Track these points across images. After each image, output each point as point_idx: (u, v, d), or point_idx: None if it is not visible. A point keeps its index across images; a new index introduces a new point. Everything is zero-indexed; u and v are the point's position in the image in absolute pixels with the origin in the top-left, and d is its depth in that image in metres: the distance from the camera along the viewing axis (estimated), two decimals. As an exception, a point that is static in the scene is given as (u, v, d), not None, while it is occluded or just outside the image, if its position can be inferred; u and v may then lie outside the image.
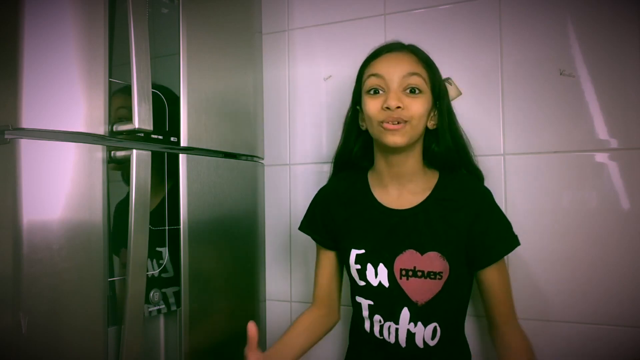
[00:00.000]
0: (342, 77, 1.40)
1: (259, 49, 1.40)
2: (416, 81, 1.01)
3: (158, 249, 1.02)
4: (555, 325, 1.18)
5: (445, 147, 1.07)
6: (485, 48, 1.25)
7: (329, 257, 1.19)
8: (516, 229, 1.13)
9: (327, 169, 1.41)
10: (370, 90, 1.03)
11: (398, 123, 0.99)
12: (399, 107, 0.98)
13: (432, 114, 1.05)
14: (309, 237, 1.32)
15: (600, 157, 1.15)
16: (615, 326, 1.13)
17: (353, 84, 1.40)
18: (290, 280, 1.46)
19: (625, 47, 1.14)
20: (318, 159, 1.43)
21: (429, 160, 1.10)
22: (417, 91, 1.01)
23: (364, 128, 1.10)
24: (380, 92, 1.02)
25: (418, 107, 1.00)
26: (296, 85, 1.46)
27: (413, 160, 1.06)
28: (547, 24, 1.20)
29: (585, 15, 1.17)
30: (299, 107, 1.46)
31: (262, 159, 1.39)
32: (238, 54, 1.27)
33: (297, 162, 1.46)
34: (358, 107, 1.10)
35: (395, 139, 1.00)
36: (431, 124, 1.06)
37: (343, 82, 1.40)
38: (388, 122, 0.99)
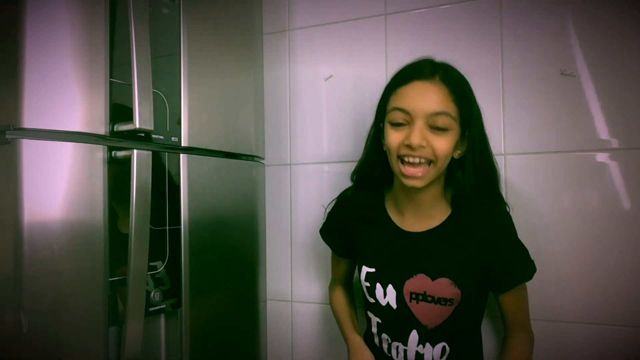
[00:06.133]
0: (343, 76, 1.40)
1: (260, 48, 1.40)
2: (444, 121, 0.93)
3: (172, 250, 1.02)
4: (556, 325, 1.17)
5: (471, 177, 0.99)
6: (486, 48, 1.25)
7: (342, 264, 1.24)
8: (517, 229, 1.12)
9: (328, 169, 1.41)
10: (394, 123, 0.97)
11: (421, 163, 0.95)
12: (422, 146, 0.93)
13: (458, 144, 0.98)
14: (309, 237, 1.32)
15: (601, 157, 1.15)
16: (616, 326, 1.13)
17: (353, 84, 1.41)
18: (290, 280, 1.46)
19: (626, 47, 1.13)
20: (319, 159, 1.43)
21: (459, 188, 1.02)
22: (444, 130, 0.94)
23: (385, 148, 1.02)
24: (404, 125, 0.96)
25: (443, 146, 0.94)
26: (297, 85, 1.46)
27: (433, 191, 1.02)
28: (547, 24, 1.20)
29: (586, 15, 1.17)
30: (300, 107, 1.46)
31: (263, 159, 1.39)
32: (239, 54, 1.27)
33: (297, 162, 1.46)
34: (381, 125, 1.04)
35: (414, 182, 0.96)
36: (457, 154, 1.00)
37: (344, 82, 1.40)
38: (408, 164, 0.95)
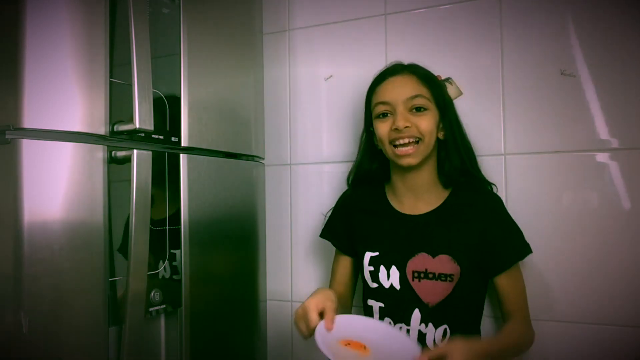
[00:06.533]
0: (343, 76, 1.40)
1: (260, 48, 1.40)
2: (420, 102, 1.08)
3: (172, 250, 1.02)
4: (556, 325, 1.17)
5: (455, 154, 1.11)
6: (486, 48, 1.25)
7: (345, 264, 1.23)
8: (517, 229, 1.12)
9: (328, 169, 1.41)
10: (379, 115, 1.11)
11: (410, 143, 1.06)
12: (407, 127, 1.05)
13: (440, 126, 1.11)
14: (309, 237, 1.32)
15: (601, 157, 1.15)
16: (616, 326, 1.13)
17: (353, 84, 1.41)
18: (290, 280, 1.46)
19: (626, 47, 1.13)
20: (319, 159, 1.43)
21: (446, 168, 1.13)
22: (422, 109, 1.08)
23: (379, 147, 1.14)
24: (389, 115, 1.09)
25: (426, 124, 1.07)
26: (297, 85, 1.46)
27: (427, 173, 1.12)
28: (548, 24, 1.20)
29: (586, 15, 1.17)
30: (300, 107, 1.46)
31: (263, 159, 1.39)
32: (239, 54, 1.27)
33: (297, 162, 1.46)
34: (371, 129, 1.15)
35: (409, 160, 1.07)
36: (441, 135, 1.12)
37: (344, 82, 1.40)
38: (399, 145, 1.06)
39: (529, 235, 1.11)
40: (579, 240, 1.16)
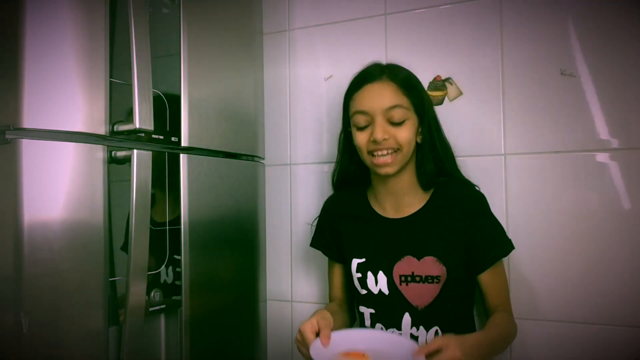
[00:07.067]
0: (343, 77, 1.39)
1: (260, 48, 1.40)
2: (399, 114, 1.05)
3: (176, 256, 1.02)
4: (557, 325, 1.17)
5: (429, 159, 1.10)
6: (486, 48, 1.25)
7: (339, 271, 1.23)
8: (517, 229, 1.13)
9: (328, 169, 1.41)
10: (358, 126, 1.08)
11: (388, 154, 1.05)
12: (385, 139, 1.04)
13: (419, 130, 1.10)
14: (309, 238, 1.32)
15: (601, 157, 1.15)
16: (616, 326, 1.13)
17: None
18: (290, 280, 1.46)
19: (626, 47, 1.13)
20: (319, 159, 1.43)
21: (421, 172, 1.11)
22: (401, 122, 1.05)
23: (357, 149, 1.12)
24: (367, 125, 1.07)
25: (404, 135, 1.05)
26: (297, 85, 1.46)
27: (407, 177, 1.11)
28: (548, 24, 1.20)
29: (586, 15, 1.17)
30: (300, 107, 1.46)
31: (263, 159, 1.39)
32: (239, 54, 1.27)
33: (297, 162, 1.46)
34: (349, 129, 1.14)
35: (387, 169, 1.06)
36: (419, 139, 1.10)
37: (344, 82, 1.39)
38: (378, 156, 1.05)
39: (528, 235, 1.11)
40: (579, 240, 1.16)
